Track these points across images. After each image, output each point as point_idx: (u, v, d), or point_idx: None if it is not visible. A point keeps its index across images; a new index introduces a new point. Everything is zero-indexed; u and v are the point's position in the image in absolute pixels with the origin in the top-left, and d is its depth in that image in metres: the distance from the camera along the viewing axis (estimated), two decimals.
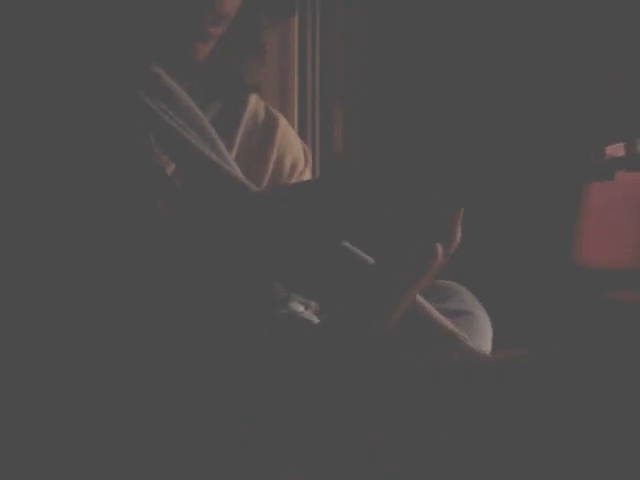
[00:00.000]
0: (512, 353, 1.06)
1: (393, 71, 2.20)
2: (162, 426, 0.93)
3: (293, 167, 1.20)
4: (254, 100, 1.20)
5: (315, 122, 2.13)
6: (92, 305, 0.97)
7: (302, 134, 2.05)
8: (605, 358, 1.02)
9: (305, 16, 2.11)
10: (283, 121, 1.22)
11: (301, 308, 1.11)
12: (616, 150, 0.99)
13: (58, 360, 0.96)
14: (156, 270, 0.99)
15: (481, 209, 1.00)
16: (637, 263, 2.01)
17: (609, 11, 2.08)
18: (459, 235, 0.97)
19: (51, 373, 0.95)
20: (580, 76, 2.09)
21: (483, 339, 1.29)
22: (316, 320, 1.09)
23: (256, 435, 0.92)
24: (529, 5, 2.13)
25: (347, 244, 0.99)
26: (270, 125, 1.19)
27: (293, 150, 1.21)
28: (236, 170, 1.05)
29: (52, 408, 0.94)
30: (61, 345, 0.96)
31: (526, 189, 1.02)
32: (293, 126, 1.99)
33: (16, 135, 1.00)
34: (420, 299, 1.03)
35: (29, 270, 0.97)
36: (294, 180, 1.19)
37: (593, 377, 0.97)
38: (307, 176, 1.22)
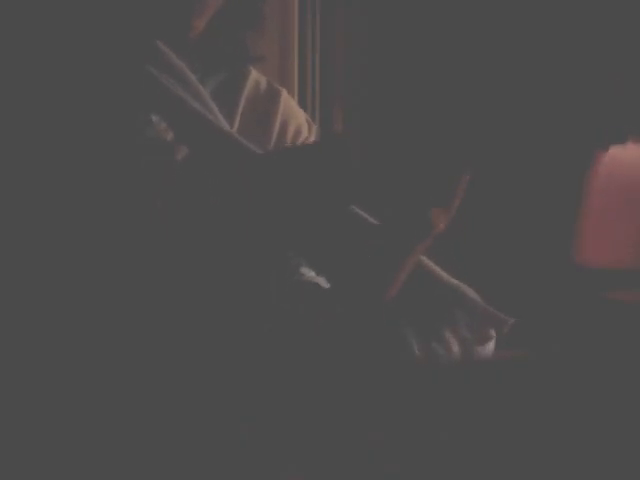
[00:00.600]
0: (512, 353, 1.06)
1: (393, 71, 2.20)
2: (162, 426, 0.93)
3: (297, 134, 1.21)
4: (255, 73, 1.20)
5: (315, 122, 2.13)
6: (91, 298, 0.97)
7: None
8: (605, 358, 1.02)
9: (305, 16, 2.11)
10: (285, 92, 1.23)
11: (312, 272, 1.11)
12: None
13: (56, 358, 0.96)
14: (156, 260, 0.99)
15: (481, 209, 1.00)
16: (637, 263, 2.01)
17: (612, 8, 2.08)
18: (459, 200, 0.98)
19: (49, 372, 0.95)
20: (585, 69, 2.09)
21: None
22: (327, 285, 1.09)
23: (256, 435, 0.92)
24: (529, 4, 2.13)
25: (353, 207, 1.00)
26: (272, 94, 1.20)
27: (297, 118, 1.22)
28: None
29: (49, 407, 0.94)
30: (58, 343, 0.96)
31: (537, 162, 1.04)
32: None
33: (14, 117, 1.00)
34: (425, 260, 1.04)
35: (26, 264, 0.97)
36: None
37: (593, 377, 0.97)
38: None
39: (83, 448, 0.92)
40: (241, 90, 1.17)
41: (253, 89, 1.19)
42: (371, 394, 0.96)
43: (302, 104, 2.09)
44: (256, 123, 1.17)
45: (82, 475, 0.91)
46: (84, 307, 0.97)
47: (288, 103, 1.22)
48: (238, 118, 1.15)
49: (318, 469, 0.91)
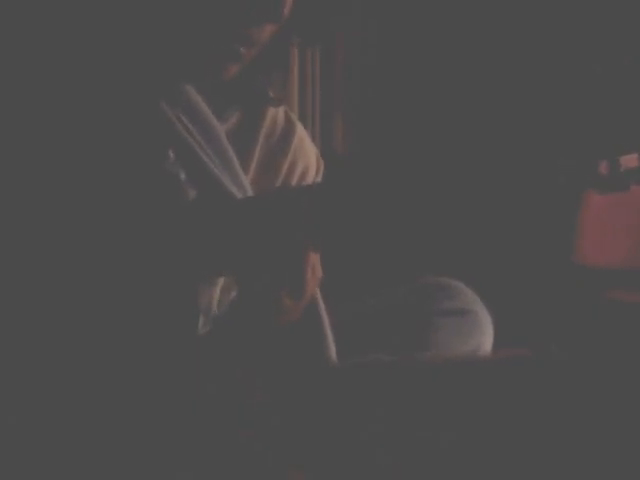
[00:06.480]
0: (512, 353, 1.06)
1: (393, 71, 2.21)
2: (162, 428, 0.93)
3: (303, 174, 1.21)
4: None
5: (315, 122, 2.14)
6: (92, 305, 0.97)
7: None
8: (605, 357, 1.02)
9: None
10: (300, 128, 1.23)
11: None
12: (630, 161, 0.98)
13: (54, 358, 0.96)
14: (156, 271, 0.99)
15: (481, 210, 1.00)
16: (637, 263, 2.01)
17: (611, 12, 2.08)
18: (313, 277, 1.00)
19: (48, 372, 0.96)
20: (589, 85, 2.09)
21: (484, 338, 1.30)
22: None
23: (256, 435, 0.92)
24: (529, 4, 2.14)
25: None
26: (287, 131, 1.20)
27: (306, 157, 1.22)
28: (245, 187, 1.07)
29: (46, 408, 0.94)
30: (57, 343, 0.96)
31: (529, 197, 1.03)
32: None
33: (33, 140, 1.00)
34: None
35: (31, 272, 0.97)
36: None
37: (593, 377, 0.98)
38: None
39: (79, 451, 0.92)
40: (259, 129, 1.17)
41: (270, 126, 1.18)
42: (371, 394, 0.96)
43: (302, 104, 2.10)
44: (268, 162, 1.17)
45: (79, 476, 0.91)
46: (84, 309, 0.97)
47: (300, 142, 1.22)
48: (256, 156, 1.15)
49: (317, 469, 0.91)
